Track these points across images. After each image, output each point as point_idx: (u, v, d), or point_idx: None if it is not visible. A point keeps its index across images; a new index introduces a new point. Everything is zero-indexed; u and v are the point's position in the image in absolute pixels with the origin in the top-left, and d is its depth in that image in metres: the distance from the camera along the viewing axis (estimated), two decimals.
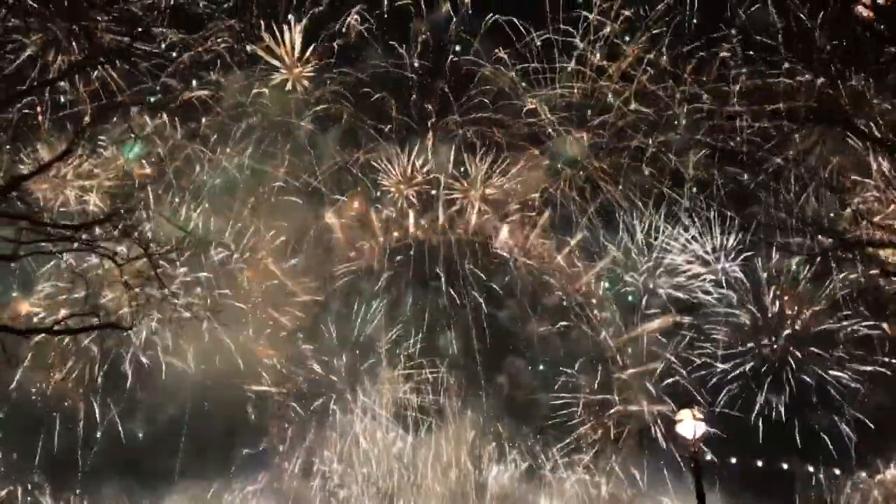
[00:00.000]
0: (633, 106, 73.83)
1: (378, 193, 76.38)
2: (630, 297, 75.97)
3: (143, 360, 68.78)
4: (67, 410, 72.10)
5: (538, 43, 74.16)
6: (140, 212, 39.38)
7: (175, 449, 72.32)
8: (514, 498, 74.85)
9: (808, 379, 68.61)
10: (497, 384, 77.78)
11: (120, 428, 71.48)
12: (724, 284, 72.17)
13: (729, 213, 71.22)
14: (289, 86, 73.17)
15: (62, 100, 51.94)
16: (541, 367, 77.49)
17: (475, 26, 74.62)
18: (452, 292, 76.98)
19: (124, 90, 56.00)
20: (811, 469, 69.20)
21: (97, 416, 72.20)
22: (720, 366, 70.74)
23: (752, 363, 70.14)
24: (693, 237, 73.12)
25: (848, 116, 36.85)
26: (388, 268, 77.43)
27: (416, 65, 75.31)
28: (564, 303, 77.70)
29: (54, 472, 72.85)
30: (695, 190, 73.69)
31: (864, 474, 68.67)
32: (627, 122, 74.68)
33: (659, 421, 72.28)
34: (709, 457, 63.23)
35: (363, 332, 76.73)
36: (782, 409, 68.64)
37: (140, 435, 72.48)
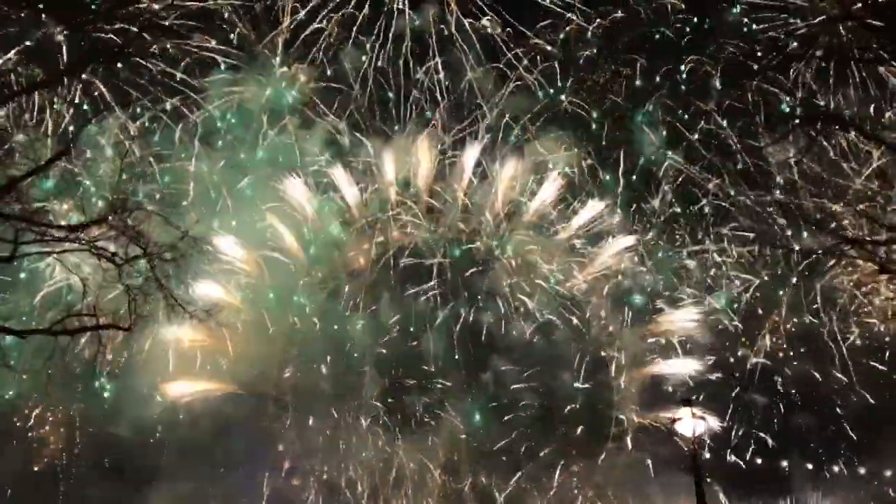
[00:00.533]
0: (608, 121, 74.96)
1: (363, 196, 76.69)
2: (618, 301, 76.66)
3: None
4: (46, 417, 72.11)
5: (520, 53, 75.21)
6: (136, 212, 38.96)
7: (160, 453, 72.67)
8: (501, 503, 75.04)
9: (797, 381, 69.46)
10: (484, 389, 78.11)
11: (103, 432, 71.86)
12: (709, 289, 72.98)
13: (710, 219, 71.99)
14: (268, 91, 73.35)
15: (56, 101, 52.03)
16: (529, 371, 77.72)
17: (460, 33, 75.38)
18: (438, 296, 77.37)
19: (114, 93, 56.12)
20: (809, 466, 70.06)
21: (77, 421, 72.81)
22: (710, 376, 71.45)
23: (738, 366, 70.75)
24: (677, 246, 73.82)
25: (841, 115, 37.44)
26: (373, 270, 77.72)
27: (398, 68, 75.82)
28: (546, 312, 78.28)
29: (33, 482, 72.59)
30: (671, 197, 74.50)
31: (862, 470, 69.35)
32: (606, 136, 75.75)
33: (651, 424, 73.14)
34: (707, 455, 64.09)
35: (349, 335, 77.07)
36: (773, 411, 69.65)
37: (123, 439, 72.36)
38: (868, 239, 35.37)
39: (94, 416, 72.14)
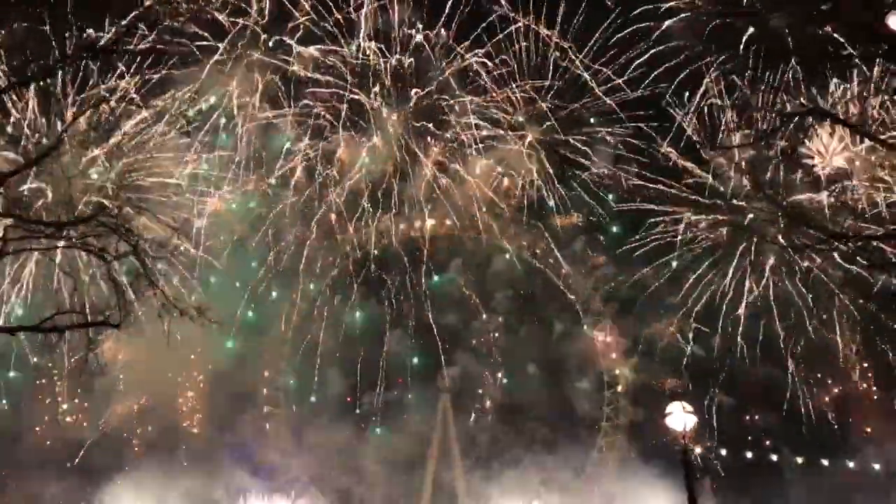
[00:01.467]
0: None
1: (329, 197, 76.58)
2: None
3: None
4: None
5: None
6: (126, 209, 38.52)
7: (120, 445, 72.66)
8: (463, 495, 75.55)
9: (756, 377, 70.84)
10: (448, 386, 78.85)
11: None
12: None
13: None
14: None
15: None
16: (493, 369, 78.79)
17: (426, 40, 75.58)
18: (401, 295, 77.77)
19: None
20: (799, 460, 71.39)
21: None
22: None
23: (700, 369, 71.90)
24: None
25: (830, 111, 38.37)
26: (338, 270, 77.88)
27: (366, 56, 75.66)
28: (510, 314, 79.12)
29: None
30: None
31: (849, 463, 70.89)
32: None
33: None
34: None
35: (312, 334, 77.28)
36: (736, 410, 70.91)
37: (85, 433, 72.20)
38: (861, 235, 36.08)
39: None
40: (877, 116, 52.49)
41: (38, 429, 72.62)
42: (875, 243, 38.32)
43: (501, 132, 75.46)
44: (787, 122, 36.10)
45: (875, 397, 69.40)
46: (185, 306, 39.85)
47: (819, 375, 70.12)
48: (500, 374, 78.46)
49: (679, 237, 71.02)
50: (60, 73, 47.86)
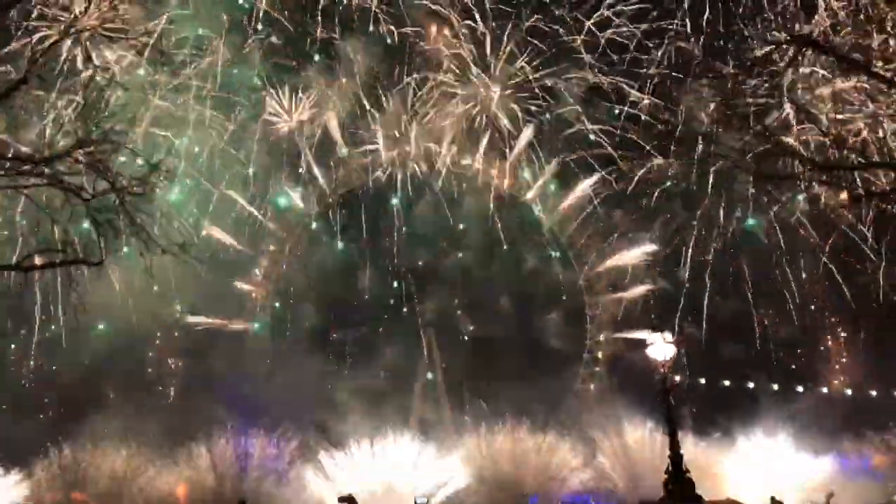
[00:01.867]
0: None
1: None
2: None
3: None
4: None
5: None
6: (105, 144, 37.47)
7: (98, 383, 72.83)
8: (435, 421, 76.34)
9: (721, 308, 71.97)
10: (420, 321, 79.46)
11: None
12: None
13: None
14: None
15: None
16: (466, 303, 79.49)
17: None
18: (373, 233, 78.12)
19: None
20: (775, 387, 72.72)
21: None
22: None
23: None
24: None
25: (817, 40, 38.51)
26: (312, 208, 77.89)
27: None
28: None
29: None
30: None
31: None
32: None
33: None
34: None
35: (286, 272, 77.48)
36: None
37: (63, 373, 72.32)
38: (844, 164, 36.38)
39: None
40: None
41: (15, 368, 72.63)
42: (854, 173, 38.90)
43: (473, 70, 75.60)
44: (770, 54, 36.09)
45: (839, 329, 71.08)
46: (167, 244, 39.38)
47: (786, 309, 71.62)
48: (475, 310, 79.57)
49: (650, 179, 71.76)
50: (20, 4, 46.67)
